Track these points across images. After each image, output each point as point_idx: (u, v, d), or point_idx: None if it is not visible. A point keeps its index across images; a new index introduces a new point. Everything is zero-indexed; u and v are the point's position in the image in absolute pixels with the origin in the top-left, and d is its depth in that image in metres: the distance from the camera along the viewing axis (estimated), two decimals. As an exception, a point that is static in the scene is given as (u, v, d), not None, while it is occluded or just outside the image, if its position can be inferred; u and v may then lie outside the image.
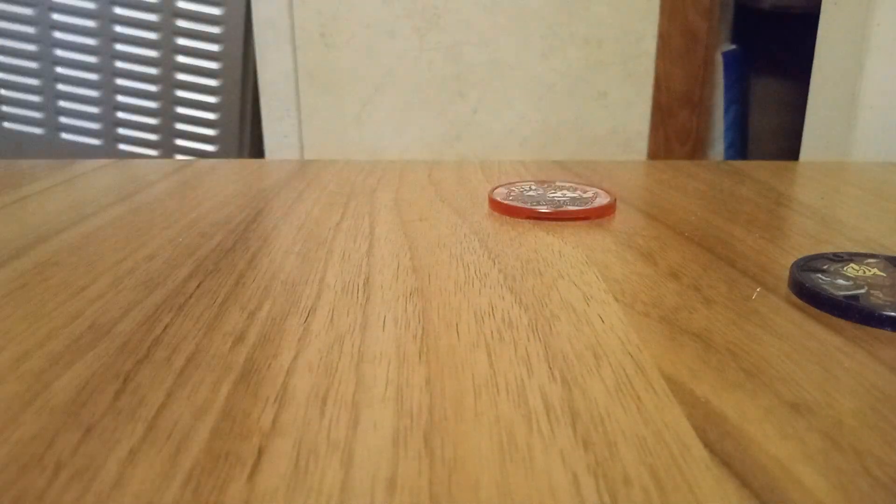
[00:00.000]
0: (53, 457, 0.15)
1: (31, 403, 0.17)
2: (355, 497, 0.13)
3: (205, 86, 1.02)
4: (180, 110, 1.04)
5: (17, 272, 0.26)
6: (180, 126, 1.04)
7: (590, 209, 0.33)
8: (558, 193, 0.37)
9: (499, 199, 0.35)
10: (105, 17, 1.00)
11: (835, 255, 0.26)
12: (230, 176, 0.39)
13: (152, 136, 1.05)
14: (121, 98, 1.03)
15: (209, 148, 1.04)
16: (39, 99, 1.04)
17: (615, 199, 0.35)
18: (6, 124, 1.05)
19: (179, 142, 1.05)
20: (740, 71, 1.08)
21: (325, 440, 0.15)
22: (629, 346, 0.20)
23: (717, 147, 1.07)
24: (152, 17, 1.00)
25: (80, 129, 1.05)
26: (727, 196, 0.39)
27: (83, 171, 0.43)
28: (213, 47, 1.00)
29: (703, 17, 1.02)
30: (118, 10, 1.00)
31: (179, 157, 1.06)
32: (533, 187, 0.38)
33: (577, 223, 0.33)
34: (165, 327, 0.21)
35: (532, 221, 0.33)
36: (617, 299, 0.23)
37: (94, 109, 1.04)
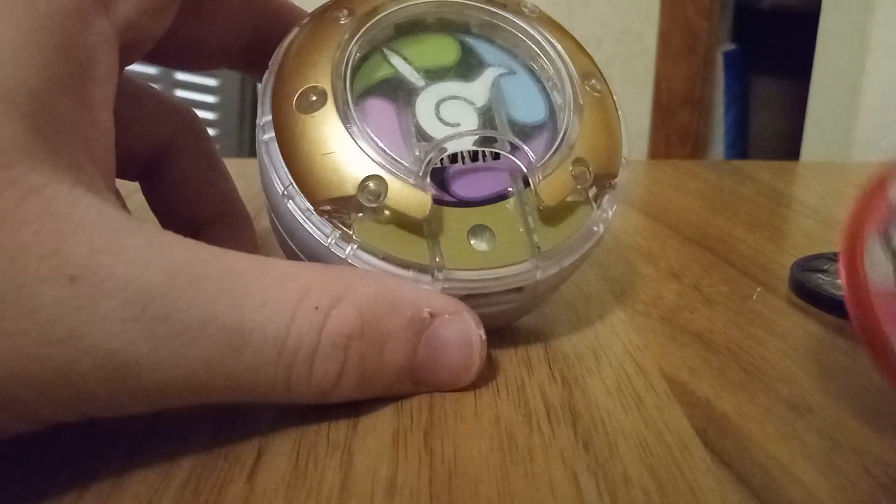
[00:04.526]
0: (54, 457, 0.15)
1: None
2: (355, 497, 0.13)
3: (204, 86, 1.02)
4: (180, 110, 1.04)
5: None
6: (180, 126, 1.04)
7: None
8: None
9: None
10: (105, 17, 1.00)
11: (835, 255, 0.26)
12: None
13: (152, 136, 1.05)
14: (121, 98, 1.03)
15: (209, 148, 1.04)
16: (39, 99, 1.04)
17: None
18: (6, 124, 1.05)
19: (179, 141, 1.05)
20: (740, 71, 1.08)
21: (324, 440, 0.15)
22: (630, 346, 0.20)
23: (718, 147, 1.07)
24: (152, 17, 1.00)
25: (80, 128, 1.05)
26: (727, 196, 0.39)
27: (83, 171, 0.43)
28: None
29: (703, 16, 1.02)
30: (118, 10, 1.00)
31: (179, 156, 1.06)
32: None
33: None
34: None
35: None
36: (617, 299, 0.23)
37: (94, 109, 1.04)
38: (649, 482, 0.14)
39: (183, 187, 0.24)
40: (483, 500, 0.13)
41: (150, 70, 1.01)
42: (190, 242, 0.14)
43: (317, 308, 0.15)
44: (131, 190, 0.36)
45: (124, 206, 0.15)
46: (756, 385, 0.18)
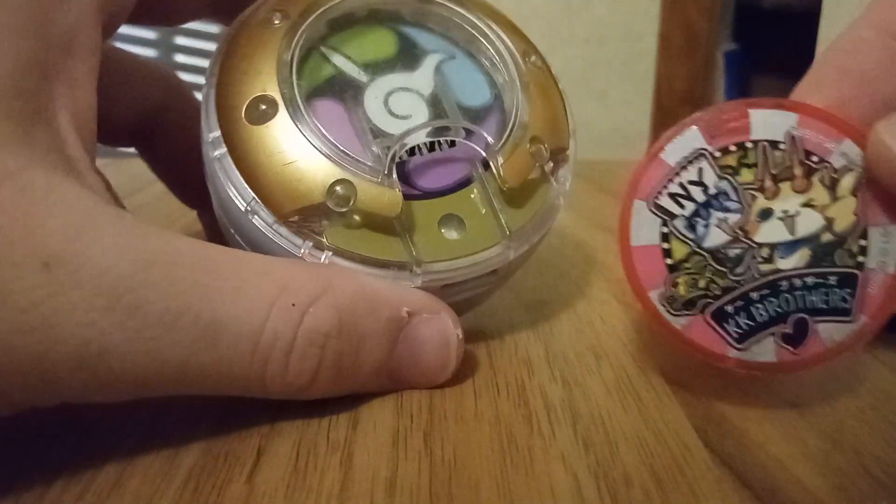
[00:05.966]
0: (55, 457, 0.15)
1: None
2: (355, 497, 0.13)
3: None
4: (181, 110, 1.03)
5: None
6: (181, 125, 1.04)
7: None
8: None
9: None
10: (105, 17, 1.00)
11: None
12: (230, 175, 0.39)
13: (153, 136, 1.04)
14: (121, 97, 1.03)
15: (209, 147, 1.04)
16: (40, 98, 1.04)
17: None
18: (7, 124, 1.05)
19: (180, 141, 1.05)
20: (741, 70, 1.08)
21: (324, 440, 0.15)
22: (630, 347, 0.20)
23: (718, 147, 1.07)
24: (152, 17, 1.00)
25: (80, 128, 1.05)
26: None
27: (83, 171, 0.43)
28: (213, 46, 1.00)
29: (704, 16, 1.02)
30: (118, 10, 1.00)
31: (180, 156, 1.05)
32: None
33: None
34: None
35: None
36: (618, 299, 0.23)
37: (94, 109, 1.04)
38: (649, 482, 0.14)
39: (177, 150, 0.24)
40: (483, 500, 0.13)
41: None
42: (168, 233, 0.14)
43: (294, 305, 0.15)
44: (131, 191, 0.36)
45: (108, 187, 0.15)
46: (756, 385, 0.18)
